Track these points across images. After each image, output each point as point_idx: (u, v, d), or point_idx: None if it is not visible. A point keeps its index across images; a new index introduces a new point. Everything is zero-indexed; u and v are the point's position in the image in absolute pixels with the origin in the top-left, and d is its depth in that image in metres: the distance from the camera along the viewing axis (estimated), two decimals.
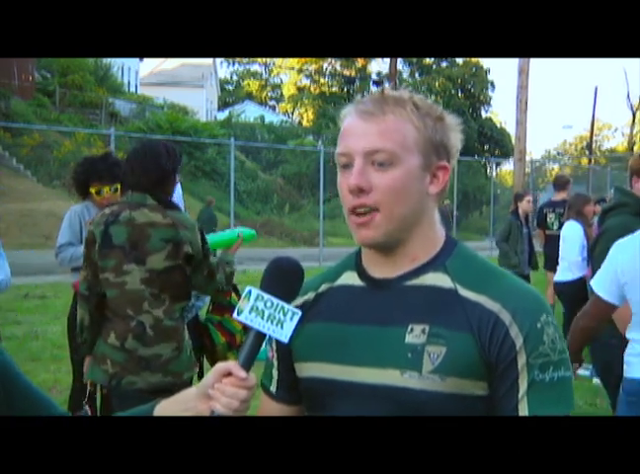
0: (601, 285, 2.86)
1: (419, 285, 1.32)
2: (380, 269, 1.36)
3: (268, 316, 1.24)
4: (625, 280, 2.75)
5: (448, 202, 20.54)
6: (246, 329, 4.19)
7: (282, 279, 1.28)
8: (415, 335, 1.27)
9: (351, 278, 1.39)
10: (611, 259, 2.84)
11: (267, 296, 1.25)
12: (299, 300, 1.40)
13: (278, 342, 1.43)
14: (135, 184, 3.23)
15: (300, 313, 1.25)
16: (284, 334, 1.24)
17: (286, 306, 1.25)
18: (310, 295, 1.42)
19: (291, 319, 1.25)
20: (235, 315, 1.26)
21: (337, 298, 1.39)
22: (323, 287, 1.42)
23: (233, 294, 3.73)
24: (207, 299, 3.85)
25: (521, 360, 1.24)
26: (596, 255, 3.50)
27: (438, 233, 1.37)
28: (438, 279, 1.32)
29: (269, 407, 1.47)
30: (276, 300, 1.25)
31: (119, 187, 4.15)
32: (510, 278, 1.32)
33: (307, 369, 1.38)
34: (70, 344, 4.35)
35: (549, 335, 1.25)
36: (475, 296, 1.28)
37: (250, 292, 1.25)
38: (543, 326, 1.25)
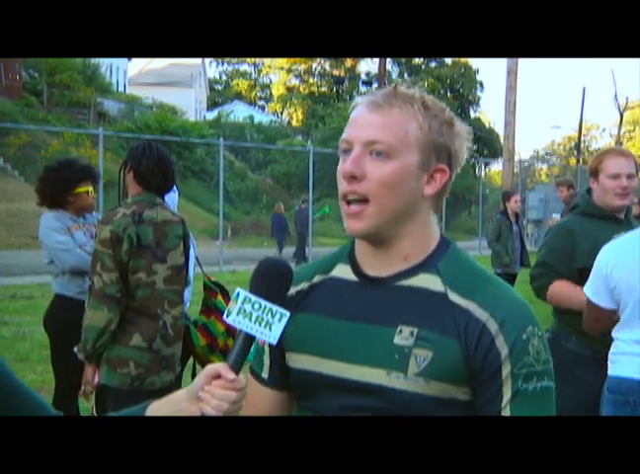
0: (594, 293, 2.87)
1: (410, 286, 1.33)
2: (373, 265, 1.36)
3: (256, 318, 1.24)
4: (614, 284, 2.77)
5: None
6: (228, 332, 4.19)
7: (271, 281, 1.27)
8: (403, 337, 1.29)
9: (344, 272, 1.40)
10: (598, 265, 2.85)
11: (254, 298, 1.24)
12: (292, 290, 1.41)
13: None
14: (157, 184, 3.26)
15: (289, 314, 1.25)
16: (273, 336, 1.24)
17: (275, 308, 1.24)
18: (304, 285, 1.42)
19: (280, 321, 1.24)
20: (224, 317, 1.26)
21: (330, 291, 1.39)
22: (317, 278, 1.42)
23: (219, 296, 3.74)
24: (188, 301, 3.85)
25: (506, 370, 1.26)
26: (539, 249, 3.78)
27: (432, 234, 1.38)
28: (429, 281, 1.33)
29: (260, 393, 1.46)
30: (264, 302, 1.24)
31: (90, 189, 4.13)
32: (499, 286, 1.34)
33: (298, 361, 1.39)
34: (54, 347, 4.23)
35: (534, 346, 1.28)
36: (465, 302, 1.29)
37: (238, 294, 1.25)
38: (529, 337, 1.27)
